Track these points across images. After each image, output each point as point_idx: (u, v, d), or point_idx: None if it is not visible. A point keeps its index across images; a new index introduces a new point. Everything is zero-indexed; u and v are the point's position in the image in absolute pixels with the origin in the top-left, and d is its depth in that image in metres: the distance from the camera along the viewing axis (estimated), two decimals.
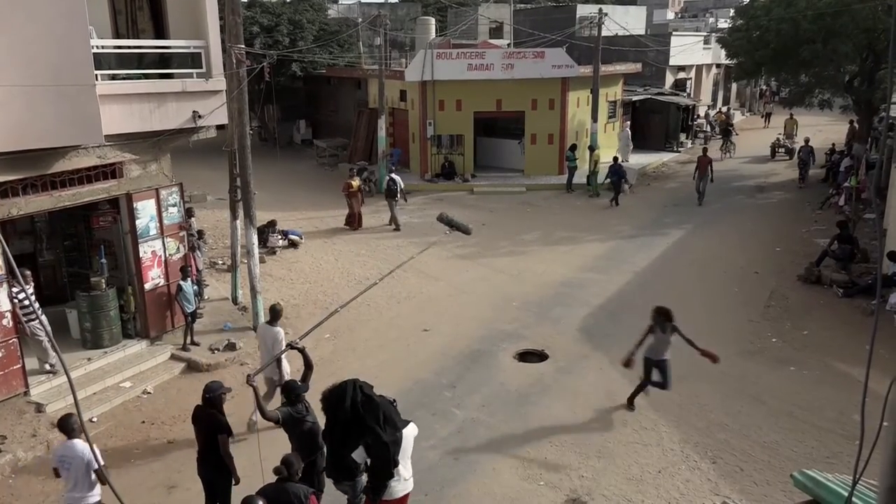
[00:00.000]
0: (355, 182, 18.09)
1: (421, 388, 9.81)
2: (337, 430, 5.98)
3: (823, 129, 30.30)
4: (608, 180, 20.39)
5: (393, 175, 18.41)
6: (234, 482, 6.68)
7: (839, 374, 10.02)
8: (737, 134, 29.72)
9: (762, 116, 37.50)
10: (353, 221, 18.13)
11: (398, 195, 18.05)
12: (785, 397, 9.44)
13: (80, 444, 6.09)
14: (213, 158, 19.24)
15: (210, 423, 6.56)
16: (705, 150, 21.22)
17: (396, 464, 5.94)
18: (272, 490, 5.52)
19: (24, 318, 8.99)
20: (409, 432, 6.19)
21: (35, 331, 9.07)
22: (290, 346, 5.93)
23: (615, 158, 21.09)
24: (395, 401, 6.32)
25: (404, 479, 6.13)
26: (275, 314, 8.58)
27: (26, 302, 8.80)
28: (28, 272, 9.60)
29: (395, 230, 17.91)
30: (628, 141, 26.06)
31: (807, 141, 22.99)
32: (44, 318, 8.98)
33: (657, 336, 8.71)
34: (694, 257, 15.66)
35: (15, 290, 8.69)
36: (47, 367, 9.43)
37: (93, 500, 6.21)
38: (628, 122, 27.05)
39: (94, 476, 6.11)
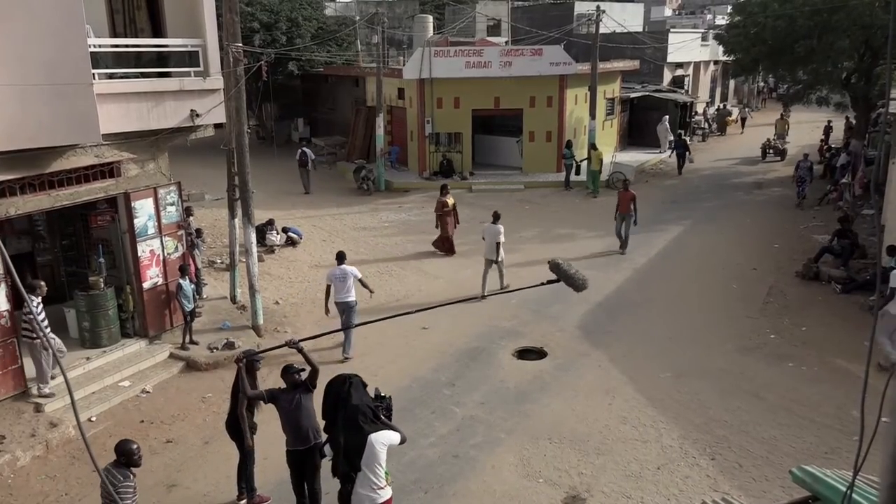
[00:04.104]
0: (450, 200, 15.58)
1: (420, 386, 9.82)
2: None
3: (820, 127, 30.28)
4: (671, 153, 23.66)
5: (305, 149, 21.91)
6: (247, 443, 7.01)
7: (837, 370, 10.04)
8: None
9: (740, 120, 34.54)
10: (447, 245, 15.80)
11: (309, 165, 21.65)
12: (783, 393, 9.45)
13: (347, 266, 10.50)
14: (211, 157, 19.24)
15: (234, 383, 6.93)
16: (626, 183, 17.14)
17: (354, 468, 5.55)
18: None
19: (25, 336, 8.71)
20: (378, 438, 5.57)
21: (34, 350, 8.69)
22: (290, 343, 5.91)
23: (679, 134, 25.65)
24: (384, 397, 6.08)
25: (372, 488, 5.57)
26: (496, 216, 13.00)
27: (29, 316, 8.57)
28: (42, 283, 8.92)
29: (306, 194, 21.58)
30: (667, 133, 27.38)
31: (806, 156, 20.13)
32: (51, 335, 8.80)
33: None
34: (692, 254, 15.67)
35: (24, 310, 8.52)
36: (45, 390, 8.92)
37: (351, 298, 10.51)
38: (667, 117, 27.71)
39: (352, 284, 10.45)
